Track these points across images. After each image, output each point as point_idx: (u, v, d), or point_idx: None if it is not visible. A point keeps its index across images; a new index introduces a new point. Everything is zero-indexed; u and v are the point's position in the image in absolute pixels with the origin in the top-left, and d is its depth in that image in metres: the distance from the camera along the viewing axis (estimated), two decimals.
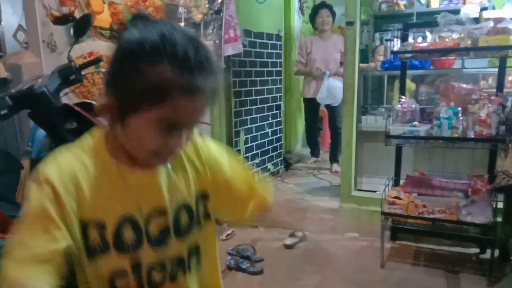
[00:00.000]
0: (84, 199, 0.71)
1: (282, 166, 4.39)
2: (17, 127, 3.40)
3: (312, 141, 4.72)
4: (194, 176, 0.81)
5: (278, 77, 4.19)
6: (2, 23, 6.34)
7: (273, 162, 4.15)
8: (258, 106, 3.81)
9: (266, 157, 4.00)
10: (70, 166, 0.72)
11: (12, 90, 2.06)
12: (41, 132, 2.91)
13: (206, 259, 0.86)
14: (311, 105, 4.33)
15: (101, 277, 0.76)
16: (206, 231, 0.85)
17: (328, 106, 4.21)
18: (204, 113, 0.71)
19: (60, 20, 3.29)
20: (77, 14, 3.19)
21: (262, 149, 3.92)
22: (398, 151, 2.69)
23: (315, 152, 4.77)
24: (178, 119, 0.68)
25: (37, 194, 0.68)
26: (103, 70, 2.61)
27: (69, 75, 2.06)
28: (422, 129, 2.36)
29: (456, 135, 2.26)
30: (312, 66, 4.17)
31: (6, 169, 2.00)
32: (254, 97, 3.72)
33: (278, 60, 4.15)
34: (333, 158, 4.34)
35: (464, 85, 2.42)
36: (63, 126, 2.06)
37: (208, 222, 0.85)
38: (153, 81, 0.64)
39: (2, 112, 1.95)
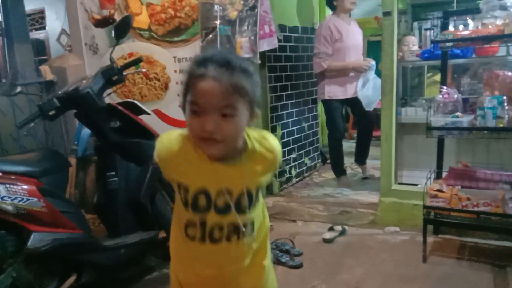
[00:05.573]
0: (177, 168, 1.04)
1: (319, 160, 4.37)
2: (63, 127, 3.56)
3: (341, 158, 3.76)
4: (260, 173, 1.07)
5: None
6: (46, 27, 6.64)
7: (310, 156, 4.13)
8: (294, 100, 3.80)
9: (303, 151, 3.99)
10: (171, 145, 1.04)
11: (59, 92, 2.17)
12: (86, 132, 3.04)
13: (258, 235, 1.11)
14: (341, 108, 3.65)
15: (180, 221, 1.07)
16: (259, 210, 1.12)
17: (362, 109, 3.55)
18: (225, 102, 0.92)
19: (101, 23, 3.41)
20: (117, 17, 3.30)
21: (299, 144, 3.92)
22: (440, 143, 2.63)
23: (342, 171, 3.76)
24: (198, 100, 0.94)
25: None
26: (143, 70, 2.69)
27: (111, 76, 2.14)
28: (465, 119, 2.29)
29: (501, 125, 2.19)
30: (343, 57, 3.45)
31: (56, 167, 2.10)
32: (289, 92, 3.72)
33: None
34: (362, 160, 3.85)
35: (509, 73, 2.33)
36: (107, 125, 2.14)
37: (258, 205, 1.11)
38: (187, 74, 0.97)
39: (50, 113, 2.06)
